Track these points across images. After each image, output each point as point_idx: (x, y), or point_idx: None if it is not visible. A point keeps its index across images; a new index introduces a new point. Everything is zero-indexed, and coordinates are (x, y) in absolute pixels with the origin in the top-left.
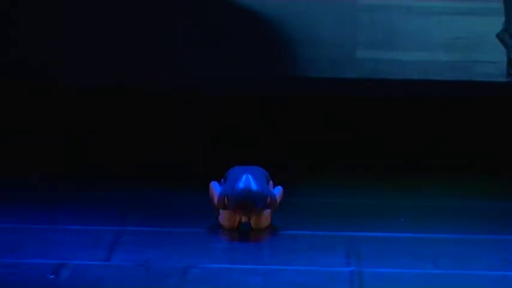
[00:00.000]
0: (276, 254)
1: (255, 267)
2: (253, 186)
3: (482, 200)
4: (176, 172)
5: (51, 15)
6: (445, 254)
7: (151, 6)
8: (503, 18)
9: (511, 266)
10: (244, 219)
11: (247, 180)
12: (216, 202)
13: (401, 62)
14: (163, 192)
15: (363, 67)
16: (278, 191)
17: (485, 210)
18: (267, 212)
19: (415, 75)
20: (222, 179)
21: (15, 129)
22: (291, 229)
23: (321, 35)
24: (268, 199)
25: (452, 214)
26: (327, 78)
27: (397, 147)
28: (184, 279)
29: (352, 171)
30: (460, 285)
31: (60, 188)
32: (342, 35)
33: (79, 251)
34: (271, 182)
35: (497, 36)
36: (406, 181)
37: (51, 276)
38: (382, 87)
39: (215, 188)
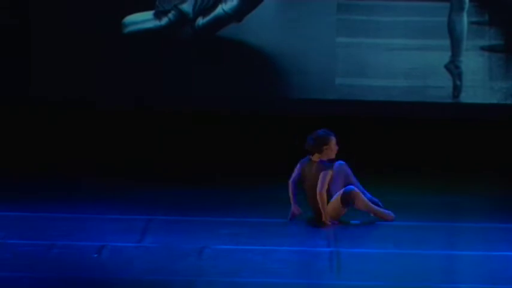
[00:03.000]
0: (271, 237)
1: (255, 248)
2: None
3: (434, 196)
4: (194, 175)
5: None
6: (404, 237)
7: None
8: (449, 53)
9: (454, 247)
10: None
11: None
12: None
13: (371, 87)
14: (184, 190)
15: (340, 91)
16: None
17: (438, 204)
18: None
19: (381, 97)
20: None
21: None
22: (284, 218)
23: (308, 66)
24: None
25: (411, 207)
26: (311, 99)
27: (371, 157)
28: (199, 258)
29: None
30: (414, 262)
31: (102, 186)
32: (324, 66)
33: (117, 235)
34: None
35: (445, 66)
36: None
37: (94, 255)
38: (355, 107)
39: None
